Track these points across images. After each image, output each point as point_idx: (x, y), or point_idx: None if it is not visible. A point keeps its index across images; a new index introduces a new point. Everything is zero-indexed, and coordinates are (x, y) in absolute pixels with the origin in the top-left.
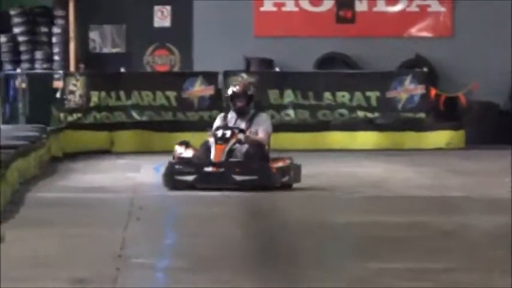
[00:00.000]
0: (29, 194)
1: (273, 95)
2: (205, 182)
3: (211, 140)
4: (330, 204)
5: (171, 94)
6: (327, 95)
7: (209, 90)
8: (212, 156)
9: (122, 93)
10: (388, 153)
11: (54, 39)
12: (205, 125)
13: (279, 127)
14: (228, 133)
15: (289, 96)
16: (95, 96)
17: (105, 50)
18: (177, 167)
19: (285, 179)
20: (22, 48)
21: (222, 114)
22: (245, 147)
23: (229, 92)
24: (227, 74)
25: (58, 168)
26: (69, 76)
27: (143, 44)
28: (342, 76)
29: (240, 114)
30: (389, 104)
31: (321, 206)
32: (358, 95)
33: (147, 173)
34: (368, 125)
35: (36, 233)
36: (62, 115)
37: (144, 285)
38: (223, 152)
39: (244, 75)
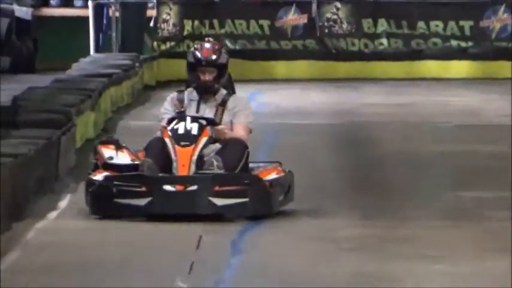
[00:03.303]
0: (122, 122)
1: (366, 24)
2: (166, 207)
3: (167, 139)
4: (424, 134)
5: (265, 23)
6: (421, 24)
7: (303, 19)
8: (174, 166)
9: (215, 22)
10: (481, 82)
11: None
12: (298, 55)
13: (372, 56)
14: (195, 128)
15: (382, 25)
16: (188, 25)
17: None
18: (116, 183)
19: (281, 197)
20: None
21: (174, 95)
22: (216, 149)
23: (190, 58)
24: (321, 3)
25: (151, 97)
26: (162, 5)
27: None
28: (435, 5)
29: (206, 94)
30: (482, 34)
31: (415, 135)
32: (451, 24)
33: None
34: (461, 54)
35: None
36: (155, 44)
37: None
38: (191, 160)
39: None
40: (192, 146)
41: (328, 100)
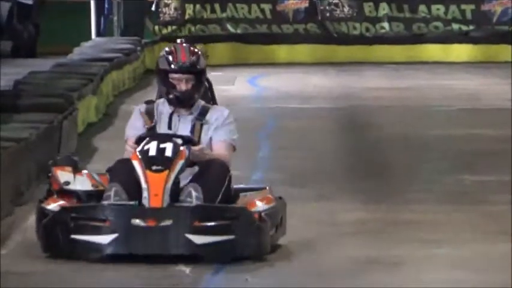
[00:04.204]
0: (123, 106)
1: (367, 7)
2: (134, 246)
3: (135, 161)
4: (425, 117)
5: (266, 6)
6: (422, 7)
7: (304, 3)
8: (145, 195)
9: (216, 6)
10: (482, 66)
11: None
12: (300, 39)
13: (373, 40)
14: (169, 148)
15: (384, 8)
16: (189, 9)
17: None
18: (73, 215)
19: (272, 232)
20: None
21: (142, 108)
22: (193, 173)
23: (162, 64)
24: None
25: (152, 81)
26: None
27: None
28: None
29: (183, 106)
30: (484, 17)
31: (416, 119)
32: (453, 7)
33: (242, 85)
34: (463, 37)
35: None
36: (156, 28)
37: None
38: (164, 188)
39: (182, 42)
40: (166, 172)
41: (329, 84)
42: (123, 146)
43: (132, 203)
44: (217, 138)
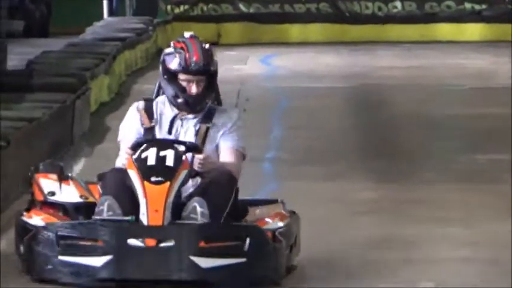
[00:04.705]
0: (135, 86)
1: None
2: (131, 270)
3: (131, 171)
4: (437, 96)
5: None
6: None
7: None
8: (142, 211)
9: None
10: (495, 45)
11: None
12: (312, 18)
13: (385, 19)
14: (170, 156)
15: None
16: None
17: None
18: (60, 233)
19: (287, 252)
20: None
21: (141, 105)
22: (195, 184)
23: (173, 63)
24: None
25: None
26: None
27: None
28: None
29: (190, 111)
30: None
31: (429, 98)
32: None
33: (254, 64)
34: (475, 16)
35: None
36: (169, 7)
37: (254, 178)
38: (166, 203)
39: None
40: (167, 184)
41: (341, 63)
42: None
43: (127, 218)
44: (225, 145)
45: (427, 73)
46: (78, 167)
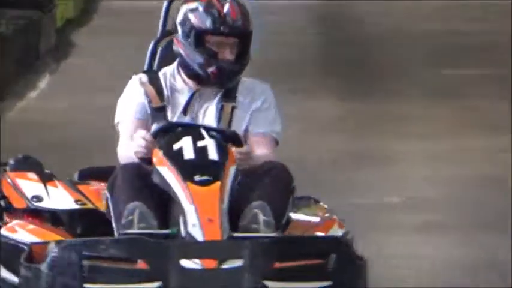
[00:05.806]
0: (103, 2)
1: None
2: None
3: (164, 168)
4: (412, 12)
5: None
6: None
7: None
8: (189, 221)
9: None
10: None
11: None
12: None
13: None
14: (212, 148)
15: None
16: None
17: None
18: (85, 253)
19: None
20: None
21: (144, 79)
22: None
23: (198, 20)
24: None
25: None
26: None
27: None
28: None
29: (221, 84)
30: None
31: (403, 14)
32: None
33: None
34: None
35: (108, 42)
36: None
37: None
38: (220, 209)
39: None
40: (218, 184)
41: None
42: (104, 44)
43: (167, 231)
44: (255, 129)
45: None
46: (43, 83)
